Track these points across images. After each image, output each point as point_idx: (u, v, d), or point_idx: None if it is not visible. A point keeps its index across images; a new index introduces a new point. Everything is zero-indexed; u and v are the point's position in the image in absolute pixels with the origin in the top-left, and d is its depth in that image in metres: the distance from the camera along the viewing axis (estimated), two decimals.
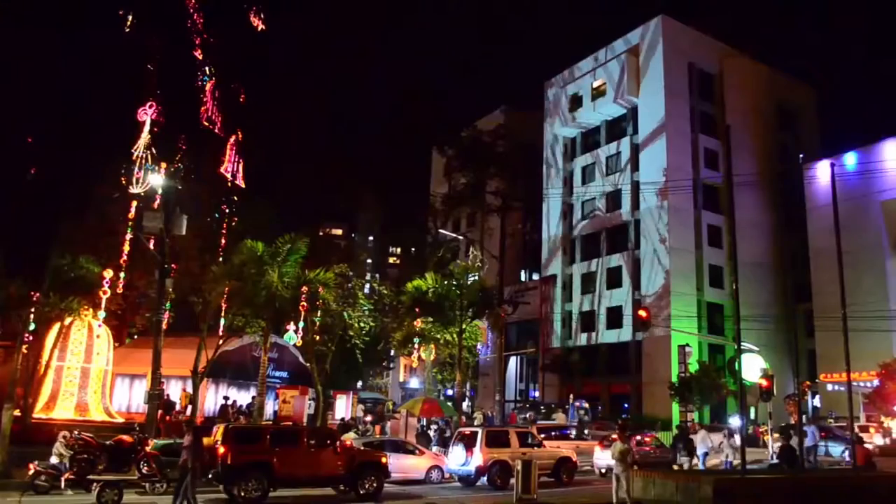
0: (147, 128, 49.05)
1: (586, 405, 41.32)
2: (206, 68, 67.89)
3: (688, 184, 50.01)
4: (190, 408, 28.70)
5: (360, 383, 51.55)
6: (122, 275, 27.17)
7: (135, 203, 30.44)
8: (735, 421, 34.91)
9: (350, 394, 37.26)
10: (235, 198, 65.82)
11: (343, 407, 34.90)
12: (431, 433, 30.61)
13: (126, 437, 20.90)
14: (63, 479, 17.57)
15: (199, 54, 67.26)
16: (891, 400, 37.16)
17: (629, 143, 54.10)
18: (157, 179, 27.27)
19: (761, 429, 37.06)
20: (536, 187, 58.61)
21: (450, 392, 44.21)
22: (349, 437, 23.85)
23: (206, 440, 18.48)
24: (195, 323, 31.01)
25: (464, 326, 32.30)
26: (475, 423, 34.06)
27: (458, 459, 21.91)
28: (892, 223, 47.19)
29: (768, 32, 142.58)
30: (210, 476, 17.47)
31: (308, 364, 30.62)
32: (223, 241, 41.44)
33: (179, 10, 64.67)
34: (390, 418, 34.55)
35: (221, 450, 17.09)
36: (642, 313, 30.43)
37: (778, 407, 38.20)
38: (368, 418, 34.44)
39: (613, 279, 53.19)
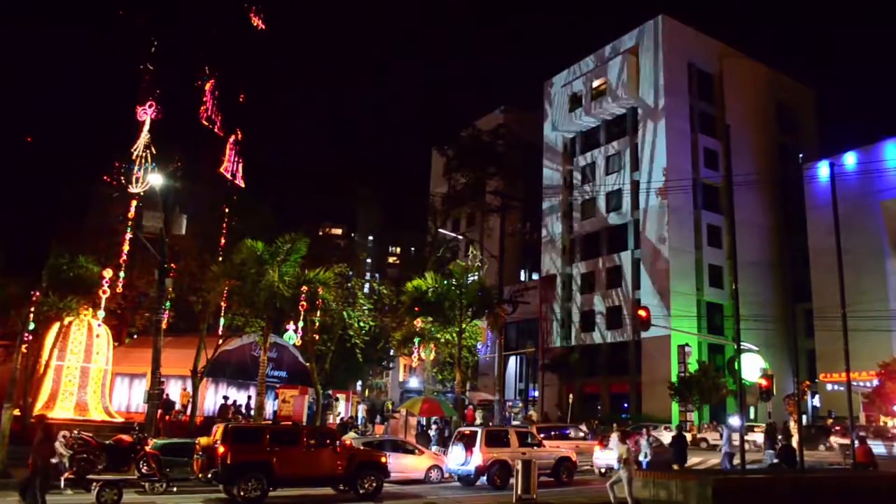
0: (147, 127, 49.05)
1: (521, 404, 41.62)
2: (206, 68, 67.84)
3: (687, 184, 50.04)
4: (189, 407, 28.72)
5: (359, 383, 51.55)
6: (121, 274, 27.09)
7: (135, 203, 30.42)
8: (735, 421, 34.84)
9: (350, 393, 37.28)
10: (235, 198, 65.79)
11: (344, 406, 34.93)
12: (431, 433, 30.61)
13: (125, 437, 20.90)
14: (62, 478, 17.54)
15: (198, 54, 67.20)
16: (890, 400, 37.18)
17: (629, 142, 54.11)
18: (157, 179, 27.22)
19: (759, 429, 37.02)
20: (536, 187, 58.65)
21: (449, 392, 44.19)
22: (349, 437, 23.85)
23: (205, 440, 18.53)
24: (195, 322, 31.01)
25: (463, 326, 32.26)
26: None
27: (457, 459, 21.89)
28: (892, 223, 47.22)
29: (768, 32, 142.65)
30: (210, 476, 17.48)
31: (308, 364, 30.61)
32: (223, 240, 41.42)
33: (179, 10, 64.66)
34: (390, 418, 34.56)
35: (221, 449, 17.07)
36: (642, 313, 30.38)
37: (777, 407, 38.25)
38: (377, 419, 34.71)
39: (613, 279, 53.19)
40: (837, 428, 36.26)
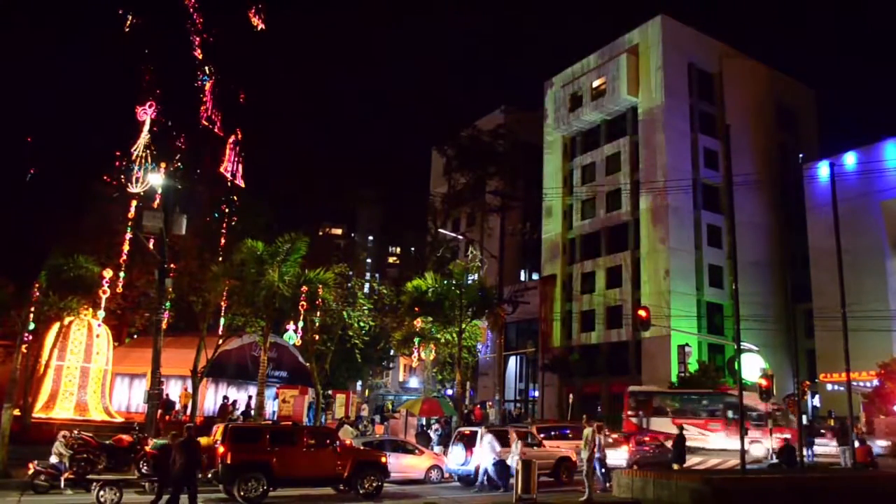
0: (147, 127, 49.13)
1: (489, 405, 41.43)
2: (206, 68, 67.88)
3: (688, 184, 50.02)
4: (189, 407, 28.75)
5: (359, 383, 51.56)
6: (121, 274, 27.15)
7: (135, 203, 30.46)
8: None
9: (349, 393, 37.30)
10: (235, 198, 65.79)
11: (343, 407, 34.89)
12: (431, 433, 30.57)
13: (125, 437, 20.93)
14: (62, 478, 17.56)
15: (198, 54, 67.26)
16: (890, 400, 37.15)
17: (629, 142, 54.11)
18: (156, 179, 27.25)
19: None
20: (536, 187, 58.64)
21: (449, 392, 44.19)
22: (347, 434, 23.83)
23: (205, 440, 18.52)
24: (195, 323, 31.03)
25: (463, 326, 32.27)
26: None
27: (457, 459, 21.91)
28: (892, 223, 47.20)
29: (768, 32, 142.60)
30: (210, 476, 17.49)
31: (308, 364, 30.62)
32: (223, 240, 41.44)
33: (179, 10, 64.69)
34: (390, 418, 34.56)
35: (221, 449, 17.09)
36: (642, 313, 30.41)
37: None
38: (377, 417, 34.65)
39: (613, 279, 53.18)
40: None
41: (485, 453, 20.62)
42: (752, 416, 29.10)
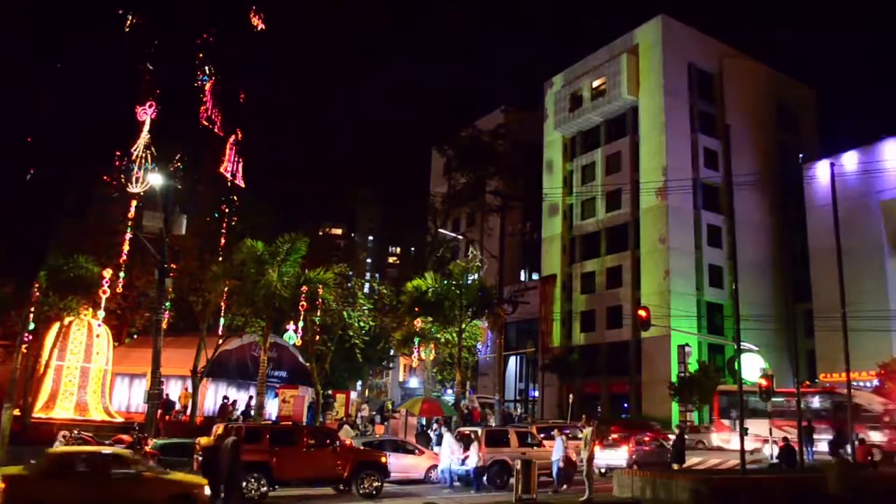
0: (147, 127, 49.15)
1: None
2: (206, 68, 67.93)
3: (688, 184, 49.97)
4: (189, 407, 28.75)
5: (359, 383, 51.57)
6: (121, 274, 27.19)
7: (134, 203, 30.51)
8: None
9: (348, 393, 37.33)
10: (235, 198, 65.87)
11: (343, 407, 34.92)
12: (431, 433, 30.58)
13: (125, 437, 20.94)
14: None
15: (199, 54, 67.30)
16: (890, 399, 37.14)
17: (629, 142, 54.07)
18: (156, 179, 27.27)
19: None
20: (536, 187, 58.64)
21: (449, 392, 44.21)
22: (347, 434, 23.85)
23: (205, 440, 18.53)
24: (195, 322, 31.06)
25: (463, 326, 32.27)
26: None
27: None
28: (892, 223, 47.14)
29: (768, 32, 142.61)
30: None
31: (308, 364, 30.63)
32: (223, 240, 41.48)
33: (180, 10, 64.71)
34: (390, 418, 34.55)
35: None
36: (642, 313, 30.40)
37: None
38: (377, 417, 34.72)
39: (613, 279, 53.17)
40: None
41: (444, 454, 21.47)
42: (866, 416, 28.37)
